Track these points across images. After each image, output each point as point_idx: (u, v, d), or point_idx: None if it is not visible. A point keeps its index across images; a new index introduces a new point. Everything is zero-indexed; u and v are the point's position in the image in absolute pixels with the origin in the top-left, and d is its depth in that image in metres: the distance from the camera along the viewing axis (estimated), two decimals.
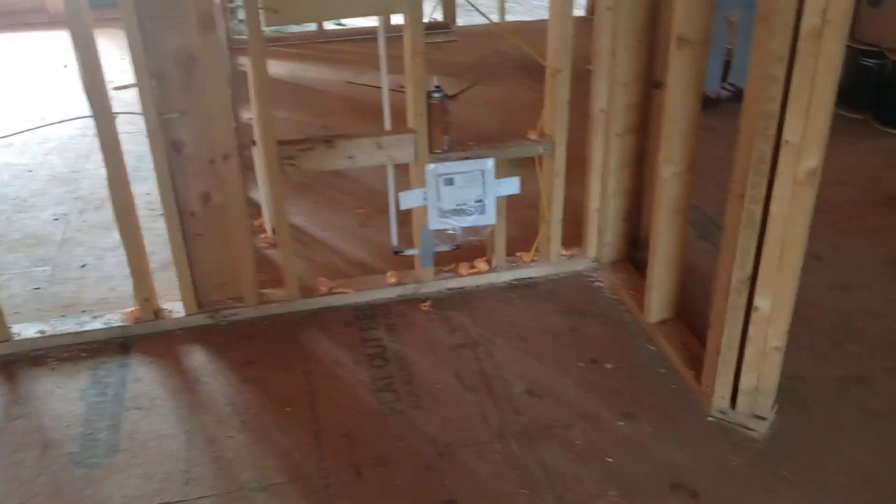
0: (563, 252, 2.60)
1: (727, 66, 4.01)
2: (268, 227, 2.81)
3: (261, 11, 1.98)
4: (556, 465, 1.84)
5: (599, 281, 2.55)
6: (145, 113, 2.06)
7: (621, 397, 2.05)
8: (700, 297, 2.40)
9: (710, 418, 1.97)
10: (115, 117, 2.07)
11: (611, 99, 2.34)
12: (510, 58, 4.66)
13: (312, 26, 4.92)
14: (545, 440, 1.92)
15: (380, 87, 3.69)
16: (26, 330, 2.27)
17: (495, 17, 5.47)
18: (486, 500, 1.76)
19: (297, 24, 4.39)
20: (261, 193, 2.76)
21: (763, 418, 1.91)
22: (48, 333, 2.26)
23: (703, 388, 1.99)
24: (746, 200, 1.66)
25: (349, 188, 3.17)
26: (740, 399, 1.90)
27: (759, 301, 1.74)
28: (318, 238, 2.84)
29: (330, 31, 4.94)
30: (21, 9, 4.96)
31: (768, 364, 1.84)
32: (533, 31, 4.22)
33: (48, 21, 4.96)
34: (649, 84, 2.35)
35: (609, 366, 2.17)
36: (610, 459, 1.86)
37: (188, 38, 2.03)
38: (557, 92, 2.32)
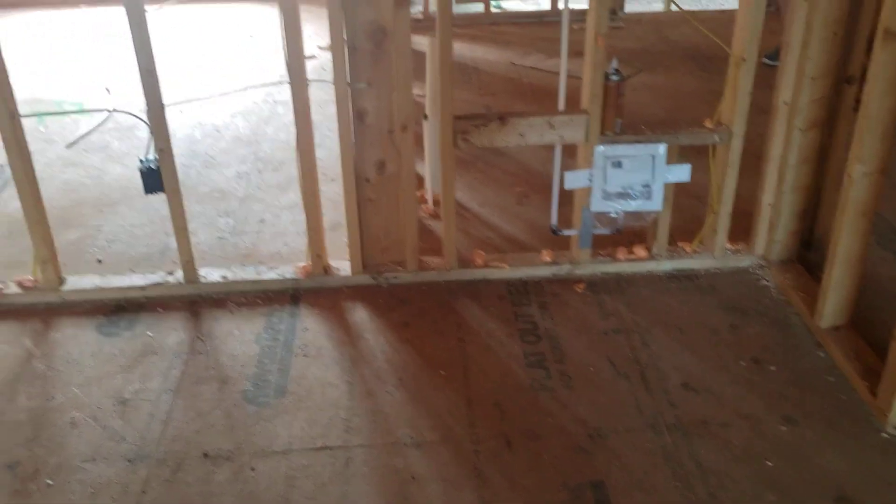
0: (729, 246, 2.52)
1: None
2: (429, 198, 2.90)
3: None
4: (711, 461, 1.81)
5: (766, 279, 2.46)
6: (336, 81, 2.18)
7: (784, 401, 1.98)
8: (878, 307, 2.27)
9: (884, 434, 1.87)
10: (308, 84, 2.20)
11: (797, 92, 2.24)
12: (678, 46, 4.53)
13: (479, 7, 4.97)
14: (700, 436, 1.89)
15: (543, 70, 3.70)
16: (211, 274, 2.47)
17: (660, 6, 5.33)
18: (635, 487, 1.76)
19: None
20: (426, 166, 2.85)
21: None
22: (230, 279, 2.45)
23: (878, 402, 1.88)
24: None
25: (508, 166, 3.21)
26: None
27: None
28: (475, 212, 2.90)
29: (495, 13, 4.98)
30: None
31: None
32: (706, 20, 4.09)
33: None
34: (840, 79, 2.23)
35: (772, 368, 2.10)
36: (769, 463, 1.81)
37: (382, 13, 2.12)
38: (741, 81, 2.24)
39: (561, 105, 2.39)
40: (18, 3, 5.24)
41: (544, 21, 4.62)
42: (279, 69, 4.19)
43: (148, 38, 2.12)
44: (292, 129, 3.54)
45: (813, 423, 1.91)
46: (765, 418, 1.93)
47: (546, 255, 2.53)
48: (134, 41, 2.11)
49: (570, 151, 2.43)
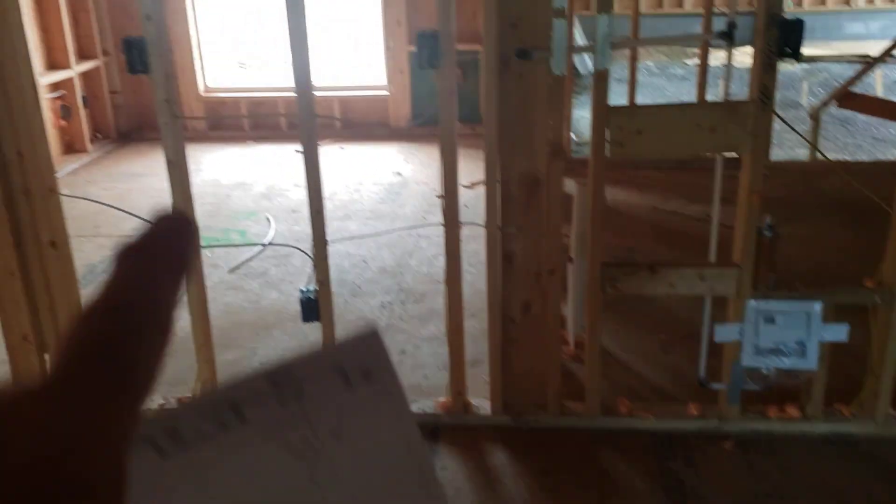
0: (892, 412, 2.36)
1: None
2: (570, 339, 2.90)
3: (607, 144, 2.13)
4: None
5: None
6: (488, 225, 2.28)
7: None
8: None
9: None
10: (461, 226, 2.32)
11: None
12: (828, 197, 4.42)
13: None
14: None
15: (685, 215, 3.69)
16: None
17: (805, 153, 5.26)
18: None
19: (638, 157, 4.57)
20: (569, 307, 2.87)
21: None
22: None
23: None
24: None
25: (651, 311, 3.17)
26: None
27: None
28: (617, 357, 2.86)
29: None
30: (368, 122, 5.76)
31: None
32: (858, 171, 3.99)
33: (388, 135, 5.69)
34: None
35: None
36: None
37: (536, 164, 2.23)
38: None
39: (712, 256, 2.38)
40: (194, 138, 5.83)
41: (686, 167, 4.65)
42: (422, 205, 4.41)
43: (320, 182, 2.31)
44: (435, 263, 3.69)
45: None
46: None
47: (693, 409, 2.45)
48: (308, 185, 2.30)
49: (719, 299, 2.39)
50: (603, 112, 2.10)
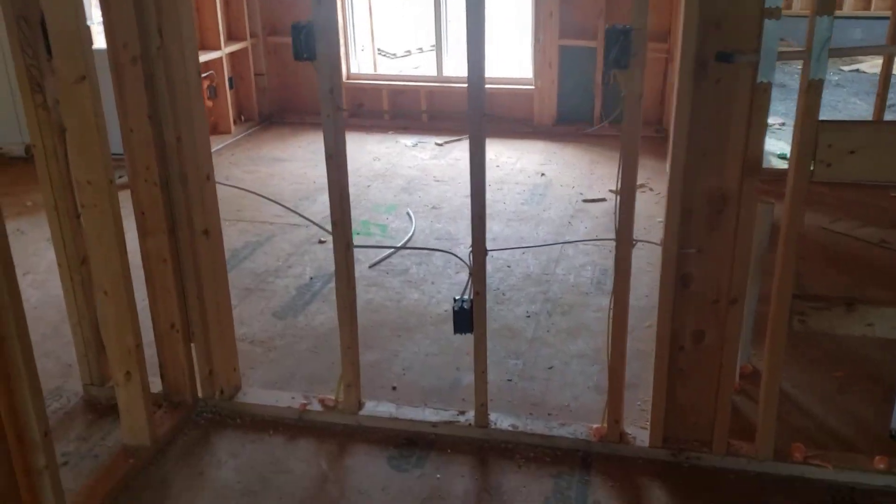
0: None
1: None
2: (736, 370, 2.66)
3: (813, 163, 1.89)
4: None
5: None
6: (666, 245, 2.08)
7: None
8: None
9: None
10: (633, 244, 2.13)
11: None
12: None
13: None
14: None
15: (856, 238, 3.35)
16: (501, 421, 2.41)
17: None
18: None
19: (845, 180, 4.24)
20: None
21: None
22: (519, 429, 2.37)
23: None
24: None
25: (826, 344, 2.86)
26: None
27: None
28: (788, 394, 2.59)
29: None
30: (510, 118, 5.62)
31: None
32: None
33: (531, 132, 5.54)
34: None
35: None
36: None
37: (726, 180, 2.01)
38: None
39: None
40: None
41: (858, 184, 4.25)
42: (567, 209, 4.21)
43: (483, 186, 2.18)
44: (583, 273, 3.50)
45: None
46: None
47: (880, 462, 2.17)
48: (472, 189, 2.17)
49: None
50: (812, 127, 1.86)
